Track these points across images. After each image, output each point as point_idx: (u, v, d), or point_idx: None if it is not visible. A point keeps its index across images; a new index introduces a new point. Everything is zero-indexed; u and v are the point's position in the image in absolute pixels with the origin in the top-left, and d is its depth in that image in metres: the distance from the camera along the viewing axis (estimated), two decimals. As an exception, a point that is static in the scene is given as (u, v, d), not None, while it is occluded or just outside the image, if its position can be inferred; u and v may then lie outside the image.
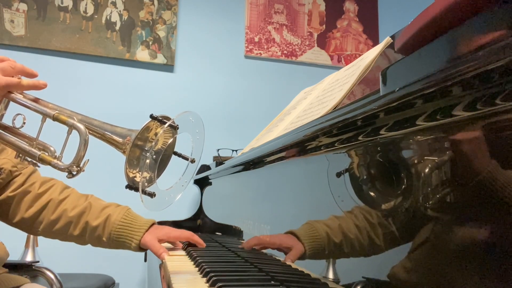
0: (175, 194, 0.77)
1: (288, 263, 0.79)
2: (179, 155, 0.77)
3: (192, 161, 0.77)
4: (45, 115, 0.74)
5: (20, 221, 0.96)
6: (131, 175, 0.71)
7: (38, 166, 0.76)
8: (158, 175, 0.75)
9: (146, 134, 0.72)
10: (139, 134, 0.69)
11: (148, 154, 0.71)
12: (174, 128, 0.71)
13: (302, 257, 0.75)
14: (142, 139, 0.71)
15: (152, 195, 0.71)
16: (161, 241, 0.97)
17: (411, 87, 0.41)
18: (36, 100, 0.77)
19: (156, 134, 0.71)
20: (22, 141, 0.75)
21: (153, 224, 0.99)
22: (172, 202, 0.76)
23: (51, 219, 0.96)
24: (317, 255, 0.70)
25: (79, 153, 0.69)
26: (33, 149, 0.74)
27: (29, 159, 0.75)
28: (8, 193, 0.95)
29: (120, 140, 0.72)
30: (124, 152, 0.70)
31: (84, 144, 0.69)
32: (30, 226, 0.97)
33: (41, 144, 0.75)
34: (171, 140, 0.75)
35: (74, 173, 0.70)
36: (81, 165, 0.70)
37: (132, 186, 0.71)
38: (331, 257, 0.65)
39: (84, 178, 0.81)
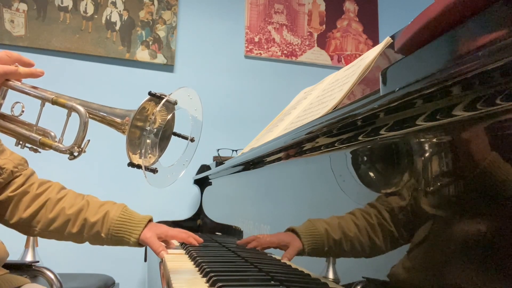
0: (177, 172, 0.78)
1: (286, 261, 0.79)
2: (179, 135, 0.78)
3: (192, 140, 0.78)
4: (44, 100, 0.74)
5: (18, 222, 0.96)
6: (133, 156, 0.72)
7: (39, 152, 0.76)
8: (160, 155, 0.76)
9: (144, 113, 0.72)
10: (137, 113, 0.70)
11: (148, 131, 0.72)
12: (172, 103, 0.72)
13: (300, 253, 0.75)
14: (141, 119, 0.72)
15: (154, 171, 0.72)
16: (159, 238, 0.97)
17: (411, 87, 0.41)
18: (34, 87, 0.77)
19: (154, 112, 0.72)
20: (22, 127, 0.76)
21: (150, 220, 0.99)
22: (175, 179, 0.77)
23: (49, 218, 0.96)
24: (315, 251, 0.70)
25: (80, 134, 0.70)
26: (33, 134, 0.74)
27: (30, 146, 0.75)
28: (8, 193, 0.95)
29: (119, 120, 0.72)
30: (124, 132, 0.71)
31: (84, 126, 0.70)
32: (28, 226, 0.97)
33: (41, 130, 0.76)
34: (170, 116, 0.76)
35: (76, 154, 0.71)
36: (82, 146, 0.71)
37: (134, 164, 0.72)
38: (330, 255, 0.65)
39: (85, 163, 0.81)
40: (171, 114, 0.75)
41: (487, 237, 0.35)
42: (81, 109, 0.70)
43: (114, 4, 2.32)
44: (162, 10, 2.39)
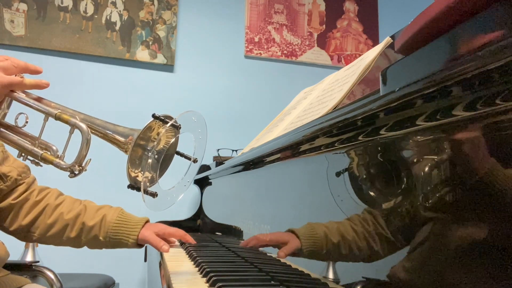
0: (177, 194, 0.77)
1: (281, 258, 0.79)
2: (182, 155, 0.77)
3: (195, 161, 0.77)
4: (47, 114, 0.74)
5: (17, 229, 0.97)
6: (133, 174, 0.71)
7: (41, 166, 0.76)
8: (160, 175, 0.75)
9: (148, 133, 0.72)
10: (141, 133, 0.69)
11: (150, 153, 0.71)
12: (176, 127, 0.71)
13: (298, 253, 0.75)
14: (144, 138, 0.71)
15: (154, 195, 0.71)
16: (158, 235, 0.98)
17: (411, 87, 0.41)
18: (38, 99, 0.77)
19: (158, 134, 0.71)
20: (24, 140, 0.76)
21: (147, 221, 1.00)
22: (174, 202, 0.76)
23: (47, 223, 0.97)
24: (314, 253, 0.70)
25: (81, 152, 0.69)
26: (35, 148, 0.74)
27: (31, 158, 0.75)
28: (10, 200, 0.96)
29: (122, 139, 0.72)
30: (126, 152, 0.71)
31: (86, 143, 0.69)
32: (27, 232, 0.98)
33: (43, 144, 0.76)
34: (173, 139, 0.75)
35: (76, 172, 0.71)
36: (83, 165, 0.70)
37: (134, 186, 0.71)
38: (328, 258, 0.65)
39: (86, 178, 0.81)
40: (174, 138, 0.74)
41: (488, 238, 0.35)
42: (84, 127, 0.70)
43: (114, 4, 2.32)
44: (162, 10, 2.39)
